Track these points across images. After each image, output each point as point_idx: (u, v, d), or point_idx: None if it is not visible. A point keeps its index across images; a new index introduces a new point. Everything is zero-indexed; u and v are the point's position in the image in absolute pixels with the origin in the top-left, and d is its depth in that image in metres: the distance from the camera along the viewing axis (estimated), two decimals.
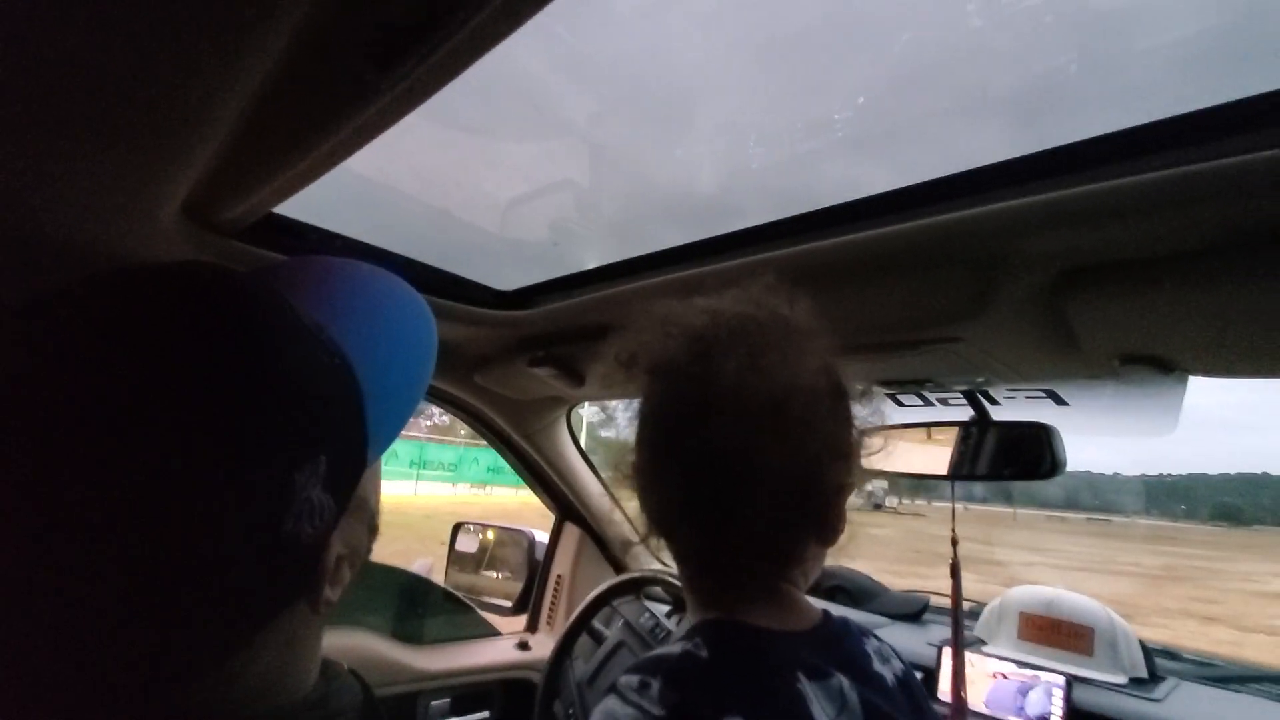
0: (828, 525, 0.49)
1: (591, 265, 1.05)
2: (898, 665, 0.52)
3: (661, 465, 0.49)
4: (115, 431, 0.28)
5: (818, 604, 0.52)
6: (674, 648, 0.46)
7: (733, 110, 1.28)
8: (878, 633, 0.55)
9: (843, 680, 0.45)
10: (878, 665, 0.50)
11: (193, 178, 0.65)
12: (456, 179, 1.15)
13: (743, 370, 0.45)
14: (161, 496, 0.28)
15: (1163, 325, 0.62)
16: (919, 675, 1.21)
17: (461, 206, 1.16)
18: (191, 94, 0.49)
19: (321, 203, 0.83)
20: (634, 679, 0.43)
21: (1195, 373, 0.70)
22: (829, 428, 0.47)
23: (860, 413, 0.52)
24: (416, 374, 0.46)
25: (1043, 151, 0.58)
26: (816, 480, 0.46)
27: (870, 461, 0.52)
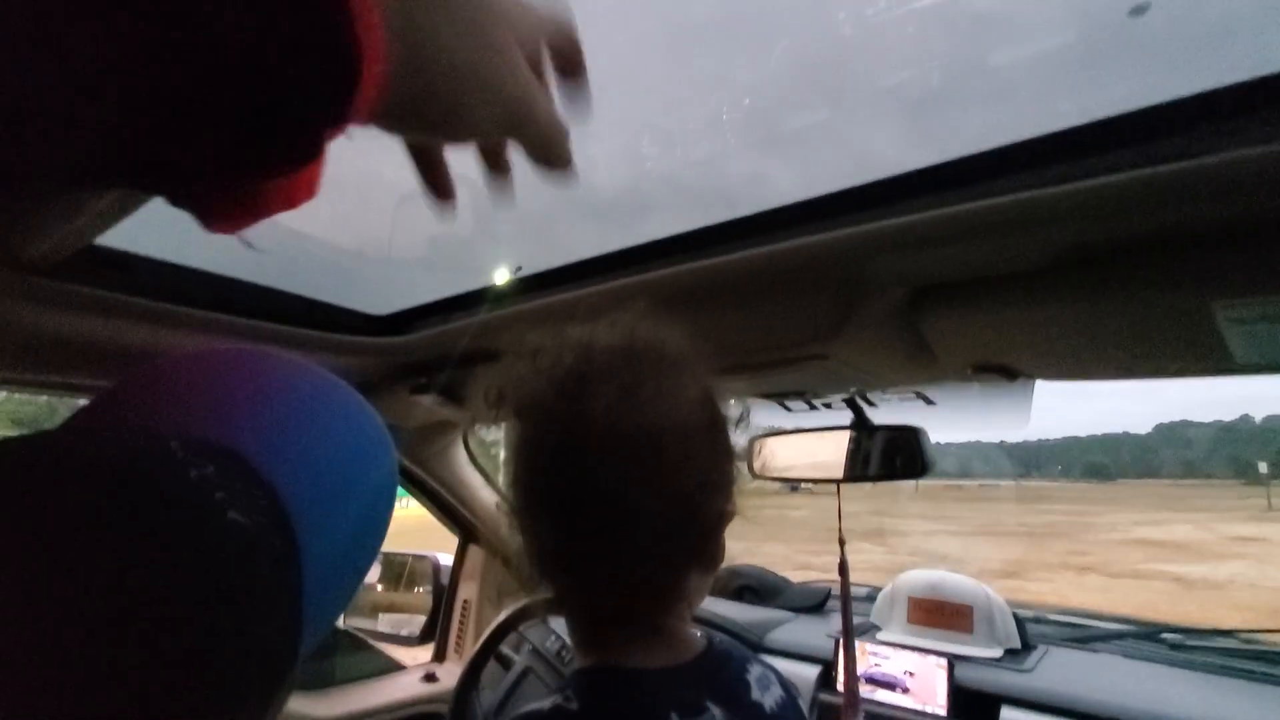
0: (708, 556, 0.48)
1: (473, 286, 1.01)
2: (778, 693, 0.52)
3: (533, 508, 0.47)
4: None
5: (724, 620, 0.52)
6: (545, 702, 0.45)
7: (625, 108, 1.27)
8: (767, 657, 0.55)
9: (716, 713, 0.45)
10: (756, 694, 0.50)
11: None
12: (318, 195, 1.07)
13: (613, 409, 0.43)
14: None
15: (1005, 337, 0.67)
16: (819, 668, 1.27)
17: (324, 225, 1.08)
18: None
19: (155, 229, 0.74)
20: None
21: (1037, 378, 0.75)
22: (706, 460, 0.47)
23: (739, 439, 0.51)
24: (374, 525, 0.35)
25: (887, 178, 0.60)
26: (694, 515, 0.45)
27: (749, 487, 0.52)
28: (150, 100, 0.18)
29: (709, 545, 0.48)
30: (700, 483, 0.45)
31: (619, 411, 0.43)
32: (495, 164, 0.33)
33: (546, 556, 0.47)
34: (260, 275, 0.90)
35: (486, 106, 0.26)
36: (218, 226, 0.22)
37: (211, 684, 0.23)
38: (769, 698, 0.50)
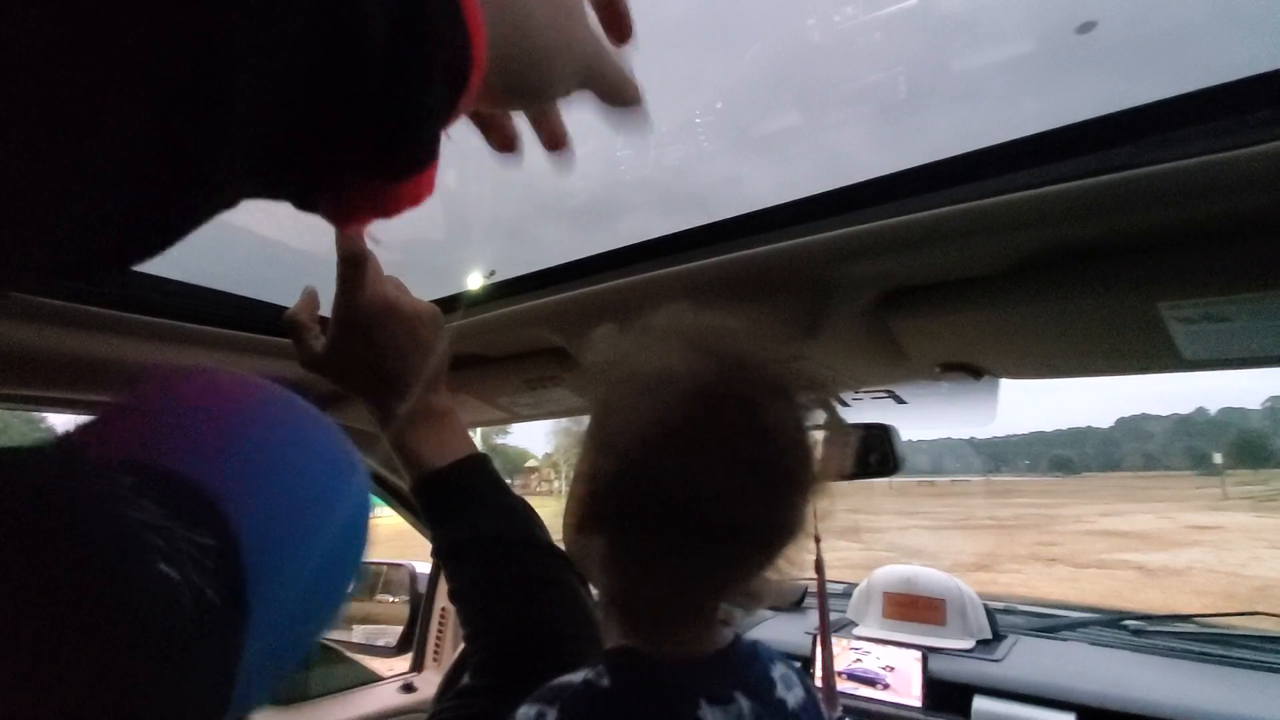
0: (785, 558, 0.48)
1: (450, 291, 1.00)
2: (800, 693, 0.52)
3: (623, 505, 0.45)
4: None
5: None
6: (576, 676, 0.45)
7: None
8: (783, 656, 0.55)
9: (744, 704, 0.45)
10: (780, 691, 0.50)
11: None
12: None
13: (744, 429, 0.43)
14: None
15: (970, 338, 0.69)
16: (797, 664, 1.29)
17: (300, 232, 1.06)
18: None
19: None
20: (531, 710, 0.42)
21: (1001, 376, 0.78)
22: (809, 477, 0.46)
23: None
24: (345, 559, 0.34)
25: (857, 183, 0.62)
26: (793, 527, 0.46)
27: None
28: (290, 108, 0.18)
29: (789, 550, 0.48)
30: (801, 500, 0.46)
31: (747, 433, 0.43)
32: (550, 132, 0.36)
33: (621, 552, 0.46)
34: (240, 286, 0.88)
35: (568, 65, 0.28)
36: (349, 226, 0.23)
37: None
38: (791, 696, 0.50)
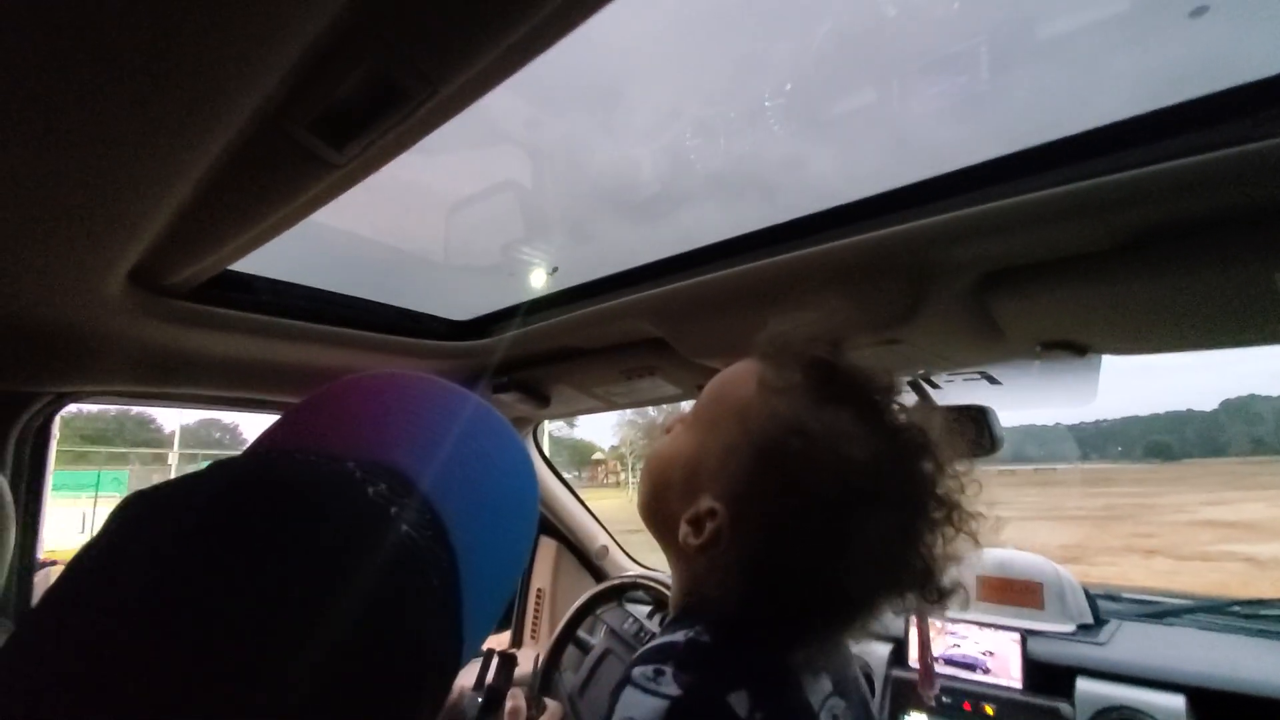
0: None
1: (549, 285, 1.07)
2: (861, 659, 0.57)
3: (785, 516, 0.46)
4: None
5: None
6: (677, 636, 0.48)
7: (667, 99, 1.30)
8: None
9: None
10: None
11: (140, 248, 0.65)
12: (397, 210, 1.15)
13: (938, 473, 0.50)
14: None
15: (1074, 315, 0.69)
16: (891, 645, 1.30)
17: (406, 239, 1.15)
18: (140, 168, 0.49)
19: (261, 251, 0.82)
20: (648, 669, 0.45)
21: (1105, 352, 0.77)
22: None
23: None
24: (520, 547, 0.39)
25: (957, 170, 0.64)
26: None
27: None
28: None
29: None
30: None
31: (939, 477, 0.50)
32: None
33: (763, 556, 0.47)
34: (353, 287, 0.98)
35: None
36: None
37: (389, 683, 0.26)
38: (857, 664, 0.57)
